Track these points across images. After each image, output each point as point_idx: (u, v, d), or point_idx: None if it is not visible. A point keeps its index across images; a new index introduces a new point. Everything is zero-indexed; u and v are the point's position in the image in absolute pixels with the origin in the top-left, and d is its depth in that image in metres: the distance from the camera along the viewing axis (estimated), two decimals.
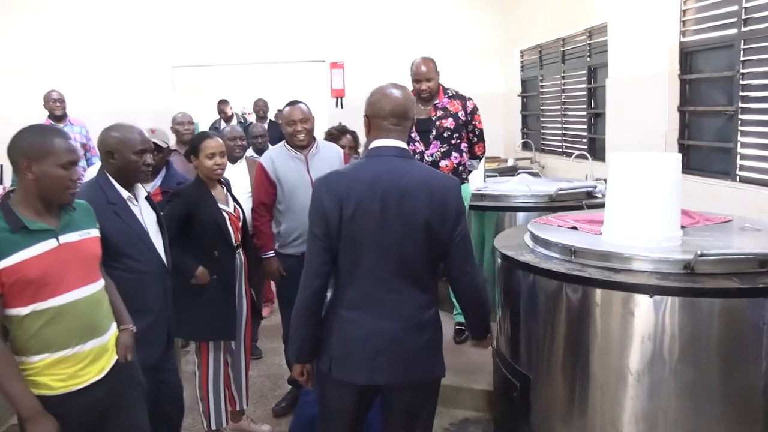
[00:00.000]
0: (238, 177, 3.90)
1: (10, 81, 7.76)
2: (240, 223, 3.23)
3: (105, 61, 7.83)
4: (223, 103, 8.18)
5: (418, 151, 3.95)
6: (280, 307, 3.70)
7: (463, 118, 3.91)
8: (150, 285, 2.50)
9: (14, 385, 1.92)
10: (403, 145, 2.17)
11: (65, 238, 2.02)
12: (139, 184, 2.58)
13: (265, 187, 3.47)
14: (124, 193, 2.49)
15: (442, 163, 3.89)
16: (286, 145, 3.50)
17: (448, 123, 3.88)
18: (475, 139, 4.03)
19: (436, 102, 3.91)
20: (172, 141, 4.92)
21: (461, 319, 4.15)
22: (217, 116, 8.20)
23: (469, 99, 3.98)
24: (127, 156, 2.47)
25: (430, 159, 3.89)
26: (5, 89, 7.77)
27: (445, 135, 3.88)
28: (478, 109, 4.00)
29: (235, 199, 3.29)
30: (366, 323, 2.11)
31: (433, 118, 3.89)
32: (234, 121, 8.14)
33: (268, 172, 3.45)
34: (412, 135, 3.99)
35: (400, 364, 2.11)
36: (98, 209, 2.28)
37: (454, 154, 3.91)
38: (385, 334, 2.09)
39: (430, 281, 2.17)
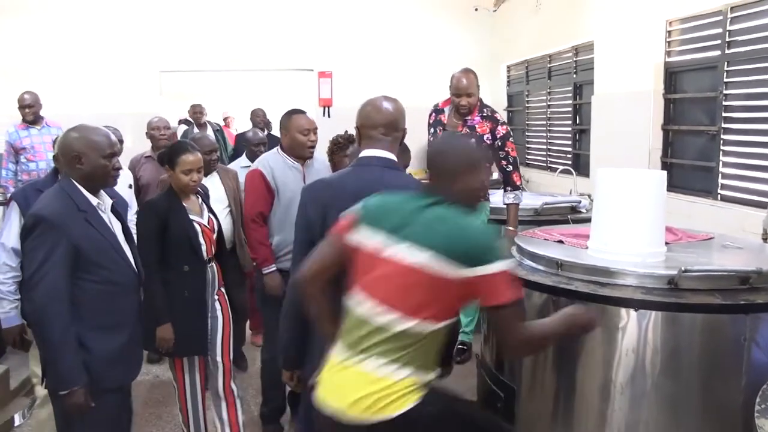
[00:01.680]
0: (212, 190, 3.55)
1: None
2: (214, 236, 3.08)
3: (92, 64, 7.78)
4: (198, 107, 7.99)
5: None
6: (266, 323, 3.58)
7: (488, 142, 3.78)
8: (125, 297, 2.38)
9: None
10: (390, 155, 2.17)
11: None
12: (103, 192, 2.42)
13: (264, 195, 3.29)
14: (93, 200, 2.33)
15: None
16: (282, 152, 3.37)
17: None
18: (510, 167, 3.86)
19: (467, 118, 3.82)
20: (147, 147, 4.82)
21: (465, 338, 4.11)
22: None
23: (503, 124, 3.84)
24: (95, 160, 2.29)
25: None
26: None
27: None
28: (511, 136, 3.86)
29: (211, 210, 3.15)
30: None
31: None
32: (209, 131, 8.02)
33: (268, 180, 3.28)
34: None
35: None
36: (70, 219, 2.20)
37: None
38: None
39: None
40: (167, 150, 3.07)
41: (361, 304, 1.84)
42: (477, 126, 3.82)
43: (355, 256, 1.90)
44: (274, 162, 3.36)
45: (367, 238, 1.87)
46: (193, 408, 3.09)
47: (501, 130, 3.83)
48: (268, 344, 3.50)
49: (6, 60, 7.69)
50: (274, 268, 3.30)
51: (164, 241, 2.89)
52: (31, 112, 5.37)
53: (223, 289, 3.15)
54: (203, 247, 2.99)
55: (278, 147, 3.45)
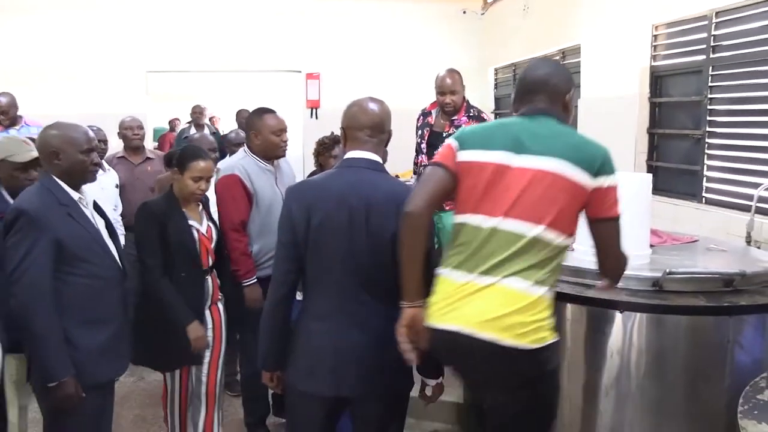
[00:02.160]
0: (210, 193, 3.26)
1: None
2: (213, 245, 2.94)
3: (77, 64, 7.70)
4: (198, 108, 8.07)
5: (422, 164, 3.92)
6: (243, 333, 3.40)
7: None
8: (109, 291, 2.38)
9: None
10: (375, 157, 2.15)
11: None
12: (85, 188, 2.42)
13: (244, 202, 3.15)
14: (74, 195, 2.34)
15: None
16: (252, 155, 3.22)
17: None
18: None
19: (454, 118, 3.81)
20: (119, 147, 4.66)
21: None
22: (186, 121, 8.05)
23: None
24: (73, 156, 2.30)
25: None
26: None
27: None
28: None
29: (211, 218, 3.01)
30: (333, 334, 2.10)
31: (444, 135, 3.79)
32: (206, 131, 8.06)
33: (247, 186, 3.14)
34: (422, 146, 3.96)
35: (367, 377, 2.10)
36: (51, 213, 2.20)
37: None
38: (351, 346, 2.08)
39: (398, 294, 2.11)
40: (179, 151, 2.90)
41: (488, 221, 1.85)
42: (464, 126, 3.81)
43: (472, 176, 1.90)
44: (248, 165, 3.20)
45: (487, 157, 1.89)
46: (170, 414, 2.96)
47: None
48: (246, 358, 3.40)
49: None
50: (255, 280, 3.16)
51: (161, 245, 2.78)
52: (6, 118, 5.03)
53: (219, 304, 2.98)
54: (200, 256, 2.85)
55: (244, 148, 3.29)
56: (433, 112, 3.98)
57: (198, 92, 11.08)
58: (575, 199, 1.83)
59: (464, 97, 3.87)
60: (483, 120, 3.88)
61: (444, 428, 3.52)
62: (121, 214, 4.25)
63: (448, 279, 1.93)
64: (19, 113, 5.26)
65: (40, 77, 7.42)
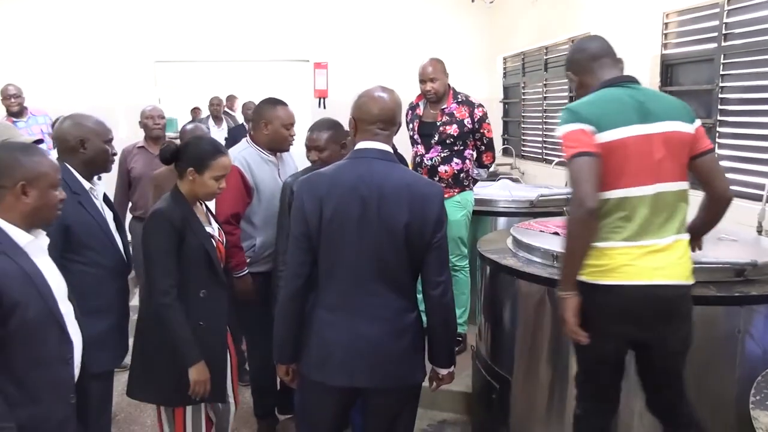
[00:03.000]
0: None
1: None
2: (225, 251, 2.65)
3: (85, 54, 7.72)
4: (216, 100, 8.05)
5: (418, 153, 3.93)
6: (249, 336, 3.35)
7: (470, 126, 3.81)
8: (111, 281, 2.43)
9: None
10: (387, 148, 2.15)
11: None
12: (97, 180, 2.49)
13: (242, 194, 3.03)
14: (86, 185, 2.41)
15: (441, 169, 3.83)
16: (255, 145, 3.14)
17: (452, 130, 3.78)
18: (483, 147, 3.93)
19: (444, 107, 3.83)
20: (126, 139, 4.60)
21: (459, 329, 4.11)
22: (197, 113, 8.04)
23: (479, 106, 3.87)
24: (99, 145, 2.42)
25: (429, 163, 3.84)
26: None
27: (448, 141, 3.80)
28: (487, 117, 3.90)
29: (216, 220, 2.71)
30: (345, 326, 2.11)
31: (438, 123, 3.81)
32: (224, 124, 8.03)
33: (246, 178, 3.04)
34: (415, 137, 3.97)
35: (380, 368, 2.11)
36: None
37: (456, 160, 3.83)
38: (364, 338, 2.09)
39: (409, 285, 2.16)
40: (191, 147, 2.50)
41: (648, 189, 2.07)
42: (455, 111, 3.83)
43: (618, 153, 2.06)
44: (249, 156, 3.09)
45: (625, 133, 2.08)
46: None
47: (478, 113, 3.85)
48: (254, 350, 3.37)
49: None
50: (246, 271, 3.06)
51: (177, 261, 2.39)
52: (16, 103, 5.36)
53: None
54: (220, 265, 2.53)
55: (247, 139, 3.20)
56: (420, 103, 3.99)
57: (206, 82, 11.08)
58: (688, 149, 2.15)
59: (448, 84, 3.87)
60: (472, 104, 3.86)
61: (453, 418, 3.53)
62: (136, 207, 4.19)
63: (626, 245, 2.07)
64: (25, 105, 5.38)
65: (47, 69, 7.45)
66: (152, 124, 4.33)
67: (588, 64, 2.27)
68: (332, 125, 2.86)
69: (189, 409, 2.50)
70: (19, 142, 2.38)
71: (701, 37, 4.17)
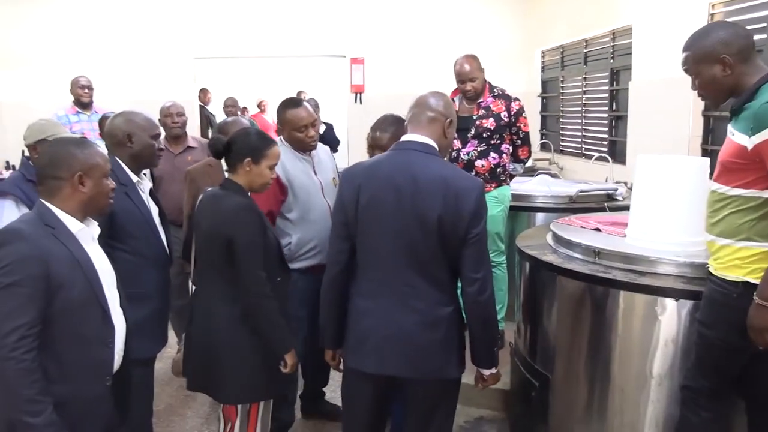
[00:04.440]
0: None
1: (30, 69, 7.83)
2: None
3: (127, 51, 7.87)
4: (231, 101, 8.10)
5: (455, 148, 3.90)
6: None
7: (506, 120, 3.78)
8: (153, 271, 2.53)
9: None
10: (429, 141, 2.16)
11: None
12: (144, 175, 2.60)
13: (276, 192, 2.99)
14: (134, 178, 2.52)
15: (478, 163, 3.80)
16: (287, 143, 3.11)
17: (488, 123, 3.76)
18: (519, 142, 3.88)
19: (480, 101, 3.80)
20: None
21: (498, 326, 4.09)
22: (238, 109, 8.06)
23: (516, 100, 3.84)
24: (145, 140, 2.53)
25: (465, 158, 3.82)
26: (26, 77, 7.84)
27: (484, 135, 3.77)
28: (524, 111, 3.86)
29: None
30: (378, 313, 2.13)
31: (474, 117, 3.78)
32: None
33: (280, 175, 2.95)
34: None
35: (410, 358, 2.11)
36: None
37: (493, 154, 3.80)
38: (396, 326, 2.10)
39: (447, 279, 2.15)
40: (245, 139, 2.49)
41: None
42: (491, 105, 3.79)
43: None
44: (283, 154, 2.97)
45: None
46: None
47: (514, 106, 3.81)
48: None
49: (43, 48, 7.82)
50: None
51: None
52: (88, 95, 5.47)
53: None
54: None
55: (281, 138, 3.17)
56: (456, 99, 3.94)
57: (244, 78, 11.19)
58: None
59: (485, 80, 3.83)
60: (509, 97, 3.82)
61: (490, 415, 3.49)
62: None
63: None
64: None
65: (90, 66, 7.56)
66: (171, 122, 4.05)
67: (750, 53, 2.07)
68: (394, 122, 2.84)
69: (261, 404, 2.50)
70: (71, 136, 2.50)
71: (750, 28, 4.04)
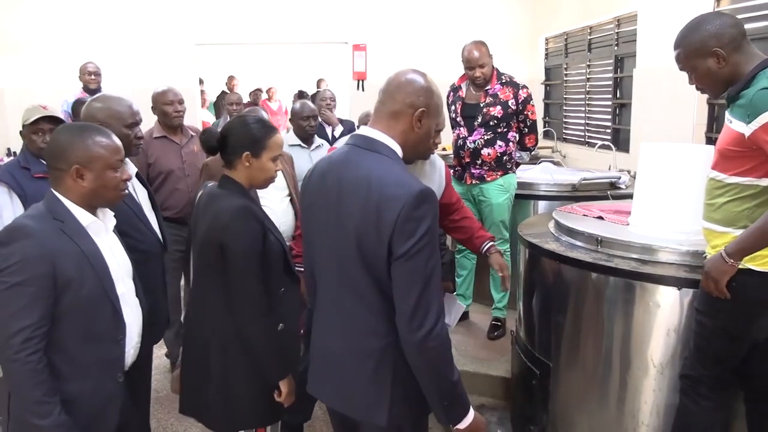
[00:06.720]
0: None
1: (32, 55, 7.79)
2: None
3: (128, 36, 7.82)
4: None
5: (461, 136, 3.87)
6: None
7: (513, 107, 3.76)
8: (148, 265, 2.33)
9: None
10: (376, 134, 1.72)
11: None
12: (128, 160, 2.34)
13: None
14: None
15: (485, 151, 3.78)
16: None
17: (496, 111, 3.74)
18: (526, 130, 3.87)
19: (487, 88, 3.78)
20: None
21: (499, 314, 4.07)
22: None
23: (524, 87, 3.81)
24: (118, 130, 2.24)
25: (472, 146, 3.80)
26: (28, 63, 7.80)
27: (491, 123, 3.75)
28: (531, 99, 3.85)
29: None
30: (317, 334, 1.87)
31: (481, 105, 3.76)
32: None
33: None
34: (458, 119, 3.91)
35: (337, 389, 1.80)
36: None
37: (499, 142, 3.78)
38: (328, 350, 1.82)
39: (381, 305, 1.66)
40: (241, 129, 2.19)
41: None
42: (499, 93, 3.77)
43: None
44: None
45: None
46: None
47: (522, 94, 3.79)
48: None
49: (46, 36, 7.78)
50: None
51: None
52: (96, 81, 5.47)
53: None
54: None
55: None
56: (463, 85, 3.92)
57: (245, 65, 11.14)
58: None
59: (493, 66, 3.80)
60: (516, 85, 3.80)
61: (491, 403, 3.50)
62: (166, 206, 3.47)
63: None
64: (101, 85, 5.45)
65: (91, 53, 7.53)
66: (173, 111, 3.59)
67: (742, 41, 2.05)
68: None
69: (269, 428, 2.37)
70: (80, 123, 2.33)
71: (756, 15, 4.00)
